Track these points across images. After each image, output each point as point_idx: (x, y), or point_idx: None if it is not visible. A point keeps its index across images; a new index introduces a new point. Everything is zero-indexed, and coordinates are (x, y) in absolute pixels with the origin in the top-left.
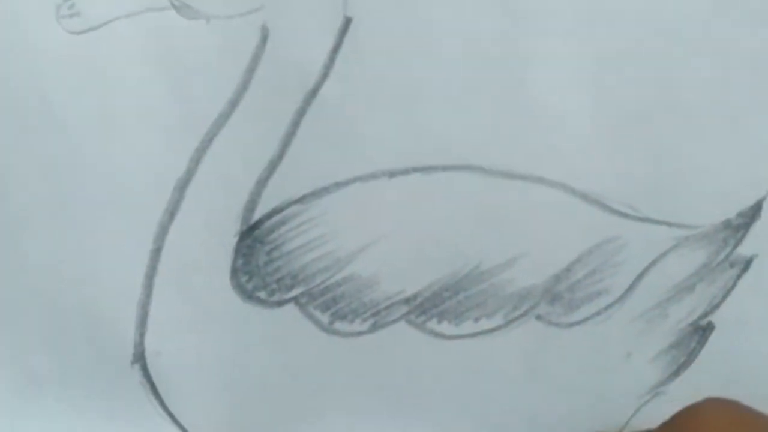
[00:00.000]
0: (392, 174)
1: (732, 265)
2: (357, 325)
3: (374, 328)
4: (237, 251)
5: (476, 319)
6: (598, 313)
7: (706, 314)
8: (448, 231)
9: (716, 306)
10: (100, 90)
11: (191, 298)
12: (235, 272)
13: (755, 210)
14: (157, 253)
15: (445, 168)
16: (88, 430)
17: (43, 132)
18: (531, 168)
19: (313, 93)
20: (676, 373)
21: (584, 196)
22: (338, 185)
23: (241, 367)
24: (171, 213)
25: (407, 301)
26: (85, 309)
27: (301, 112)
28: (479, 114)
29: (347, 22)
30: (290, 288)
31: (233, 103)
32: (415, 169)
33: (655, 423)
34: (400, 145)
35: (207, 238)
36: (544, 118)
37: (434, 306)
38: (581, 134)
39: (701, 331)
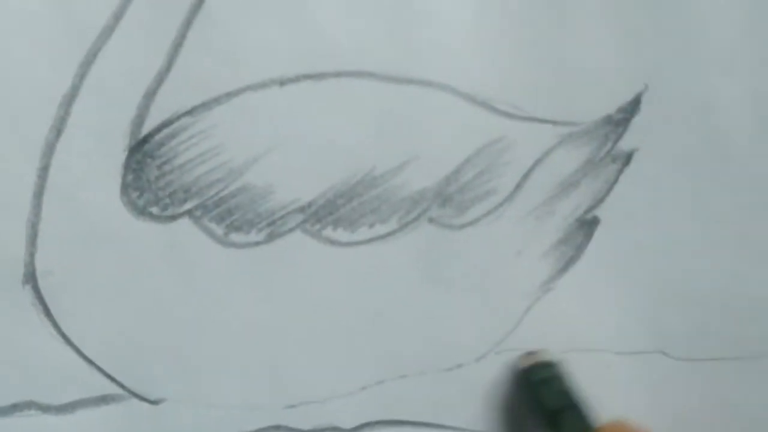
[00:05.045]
0: (283, 82)
1: (614, 160)
2: (253, 236)
3: (270, 238)
4: (126, 167)
5: (371, 225)
6: (488, 213)
7: (591, 209)
8: (341, 137)
9: (600, 200)
10: None
11: (81, 216)
12: (125, 188)
13: (634, 105)
14: (44, 171)
15: (335, 74)
16: None
17: None
18: (419, 72)
19: (200, 2)
20: (565, 268)
21: (470, 98)
22: (228, 95)
23: (136, 285)
24: (57, 130)
25: (302, 209)
26: None
27: (188, 23)
28: (367, 18)
29: None
30: (183, 201)
31: (117, 16)
32: (306, 77)
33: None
34: (289, 52)
35: (95, 155)
36: (429, 20)
37: (329, 213)
38: (465, 35)
39: (587, 225)
